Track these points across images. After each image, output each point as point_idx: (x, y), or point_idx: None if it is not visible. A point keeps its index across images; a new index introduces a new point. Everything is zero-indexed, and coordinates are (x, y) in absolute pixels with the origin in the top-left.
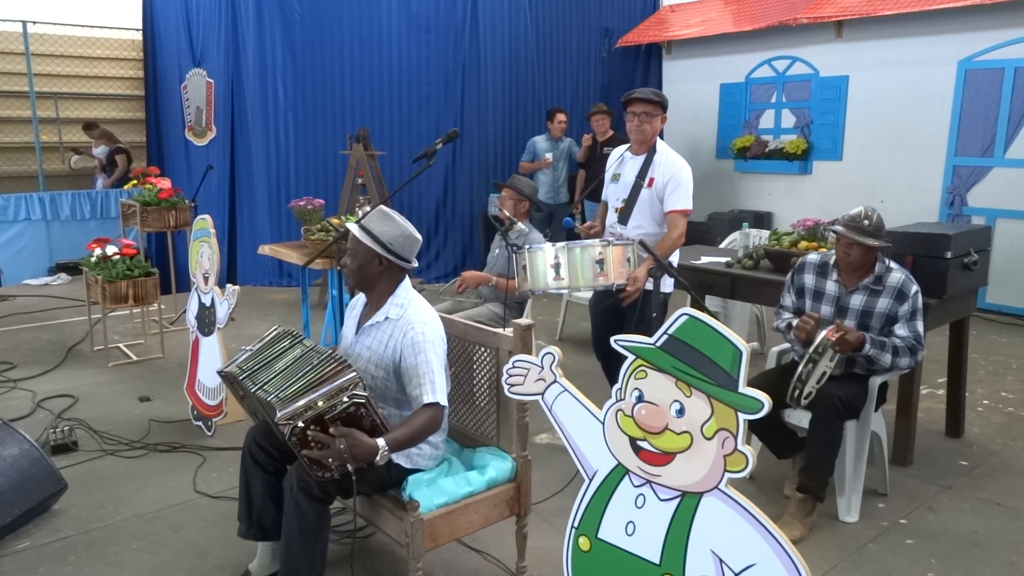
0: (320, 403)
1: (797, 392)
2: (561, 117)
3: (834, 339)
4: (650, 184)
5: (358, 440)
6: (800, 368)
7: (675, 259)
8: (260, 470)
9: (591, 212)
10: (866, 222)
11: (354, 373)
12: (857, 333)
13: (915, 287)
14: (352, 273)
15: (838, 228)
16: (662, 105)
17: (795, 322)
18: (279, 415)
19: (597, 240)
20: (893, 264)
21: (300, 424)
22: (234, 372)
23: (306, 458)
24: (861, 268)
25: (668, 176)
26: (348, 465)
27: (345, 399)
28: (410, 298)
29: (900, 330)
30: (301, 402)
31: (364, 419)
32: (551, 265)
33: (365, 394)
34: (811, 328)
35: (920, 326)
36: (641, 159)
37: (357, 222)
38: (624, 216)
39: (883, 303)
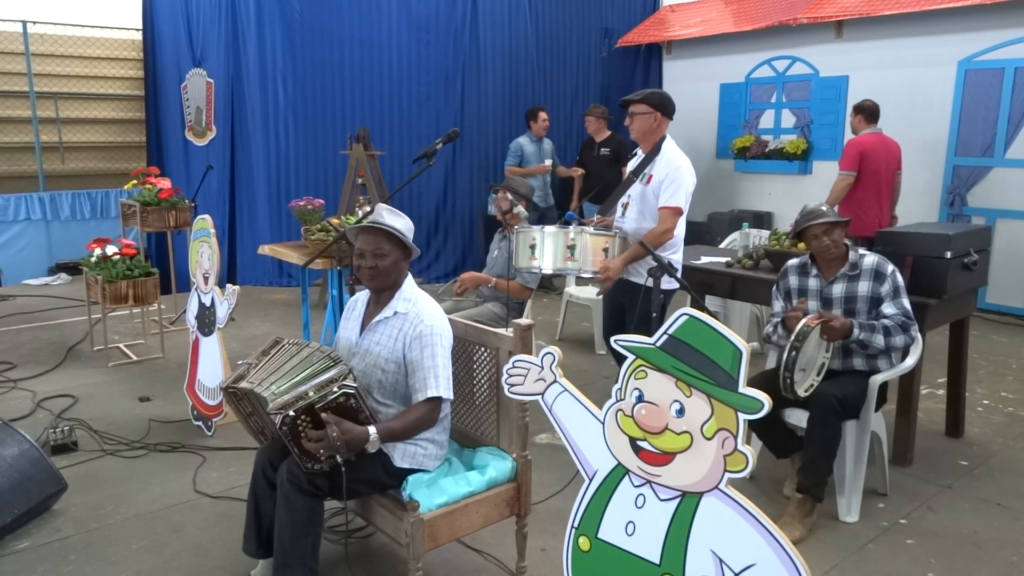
0: (311, 393)
1: (788, 380)
2: (544, 116)
3: (813, 324)
4: (648, 181)
5: (348, 427)
6: (785, 356)
7: (677, 259)
8: (274, 491)
9: (590, 213)
10: (824, 207)
11: (344, 366)
12: (841, 318)
13: (891, 266)
14: (385, 271)
15: (805, 224)
16: (645, 102)
17: (783, 317)
18: (271, 405)
19: (587, 227)
20: (863, 250)
21: (291, 413)
22: (244, 387)
23: (297, 449)
24: (838, 257)
25: (664, 173)
26: (339, 456)
27: (335, 389)
28: (417, 293)
29: (887, 308)
30: (292, 393)
31: (354, 410)
32: (568, 246)
33: (355, 385)
34: (799, 316)
35: (906, 302)
36: (644, 156)
37: (374, 223)
38: (624, 210)
39: (863, 286)
